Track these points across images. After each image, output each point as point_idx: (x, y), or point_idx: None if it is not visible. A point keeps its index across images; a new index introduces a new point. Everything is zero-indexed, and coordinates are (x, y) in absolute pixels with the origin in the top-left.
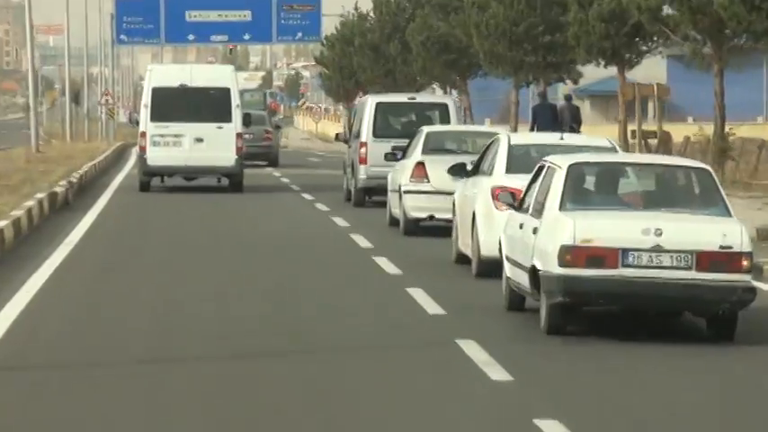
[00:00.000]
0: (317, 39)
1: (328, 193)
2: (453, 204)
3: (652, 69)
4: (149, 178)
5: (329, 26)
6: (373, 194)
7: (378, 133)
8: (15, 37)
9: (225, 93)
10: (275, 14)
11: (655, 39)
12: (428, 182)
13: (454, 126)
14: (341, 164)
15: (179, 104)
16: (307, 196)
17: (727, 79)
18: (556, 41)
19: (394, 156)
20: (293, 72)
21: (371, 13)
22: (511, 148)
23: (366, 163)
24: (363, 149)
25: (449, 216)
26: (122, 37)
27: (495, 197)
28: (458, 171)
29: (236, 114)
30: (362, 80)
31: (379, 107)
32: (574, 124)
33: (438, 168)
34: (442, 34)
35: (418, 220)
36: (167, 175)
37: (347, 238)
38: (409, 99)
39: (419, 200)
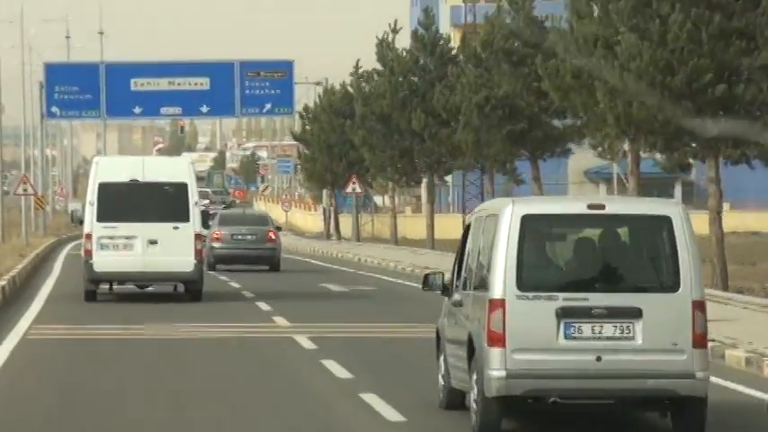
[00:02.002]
0: (290, 111)
1: (402, 385)
2: None
3: None
4: (96, 286)
5: (303, 97)
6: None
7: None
8: None
9: (182, 188)
10: (238, 83)
11: None
12: None
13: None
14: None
15: (130, 202)
16: (365, 397)
17: None
18: (737, 95)
19: None
20: (248, 153)
21: (372, 76)
22: None
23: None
24: (499, 314)
25: None
26: (53, 110)
27: None
28: None
29: (195, 213)
30: (368, 162)
31: (533, 224)
32: None
33: None
34: (507, 95)
35: None
36: (117, 282)
37: None
38: (592, 208)
39: None
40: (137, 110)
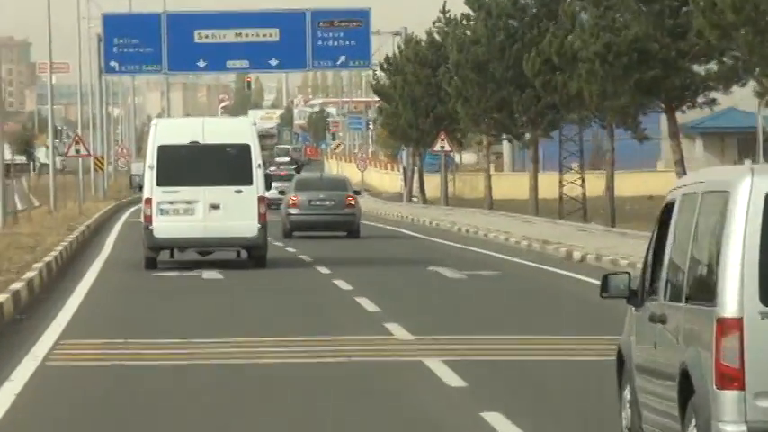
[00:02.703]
0: (366, 64)
1: None
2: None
3: None
4: (156, 253)
5: (376, 50)
6: None
7: None
8: (19, 77)
9: (244, 150)
10: (310, 33)
11: None
12: None
13: None
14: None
15: (190, 165)
16: None
17: None
18: None
19: None
20: (316, 110)
21: (465, 20)
22: None
23: None
24: (735, 341)
25: None
26: (112, 64)
27: None
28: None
29: (258, 175)
30: (461, 116)
31: None
32: None
33: None
34: (638, 38)
35: None
36: (178, 248)
37: None
38: None
39: None
40: (201, 63)
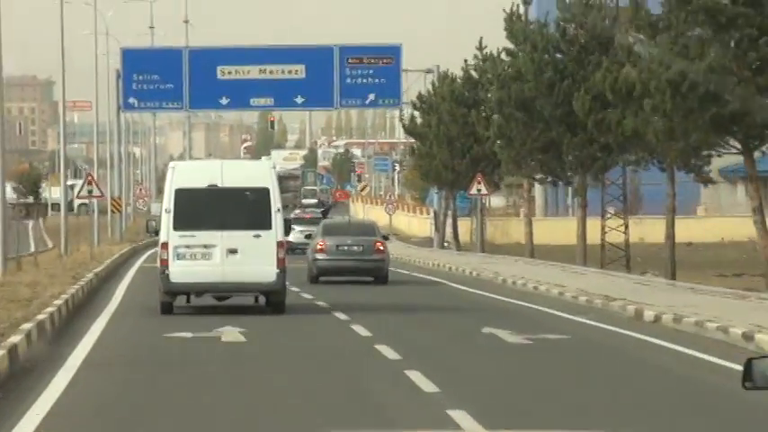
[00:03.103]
0: (396, 102)
1: None
2: None
3: None
4: (173, 298)
5: (411, 88)
6: None
7: None
8: (42, 115)
9: (263, 194)
10: (338, 70)
11: None
12: None
13: None
14: None
15: (208, 209)
16: None
17: None
18: None
19: None
20: (341, 150)
21: (506, 55)
22: None
23: None
24: None
25: None
26: (131, 100)
27: None
28: None
29: (277, 220)
30: (502, 157)
31: None
32: None
33: None
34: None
35: None
36: (195, 293)
37: None
38: None
39: None
40: (223, 101)
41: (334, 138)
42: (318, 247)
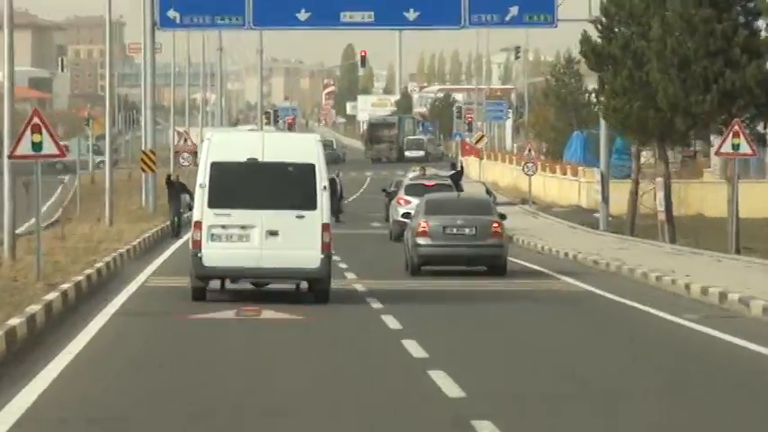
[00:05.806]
0: (550, 19)
1: None
2: None
3: None
4: (205, 283)
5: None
6: None
7: None
8: (111, 57)
9: (308, 170)
10: None
11: None
12: None
13: None
14: None
15: (247, 186)
16: None
17: None
18: None
19: None
20: (441, 95)
21: None
22: None
23: None
24: None
25: None
26: (171, 14)
27: None
28: None
29: (323, 199)
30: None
31: None
32: None
33: None
34: None
35: None
36: (230, 279)
37: None
38: None
39: None
40: (302, 15)
41: (426, 84)
42: (421, 229)
